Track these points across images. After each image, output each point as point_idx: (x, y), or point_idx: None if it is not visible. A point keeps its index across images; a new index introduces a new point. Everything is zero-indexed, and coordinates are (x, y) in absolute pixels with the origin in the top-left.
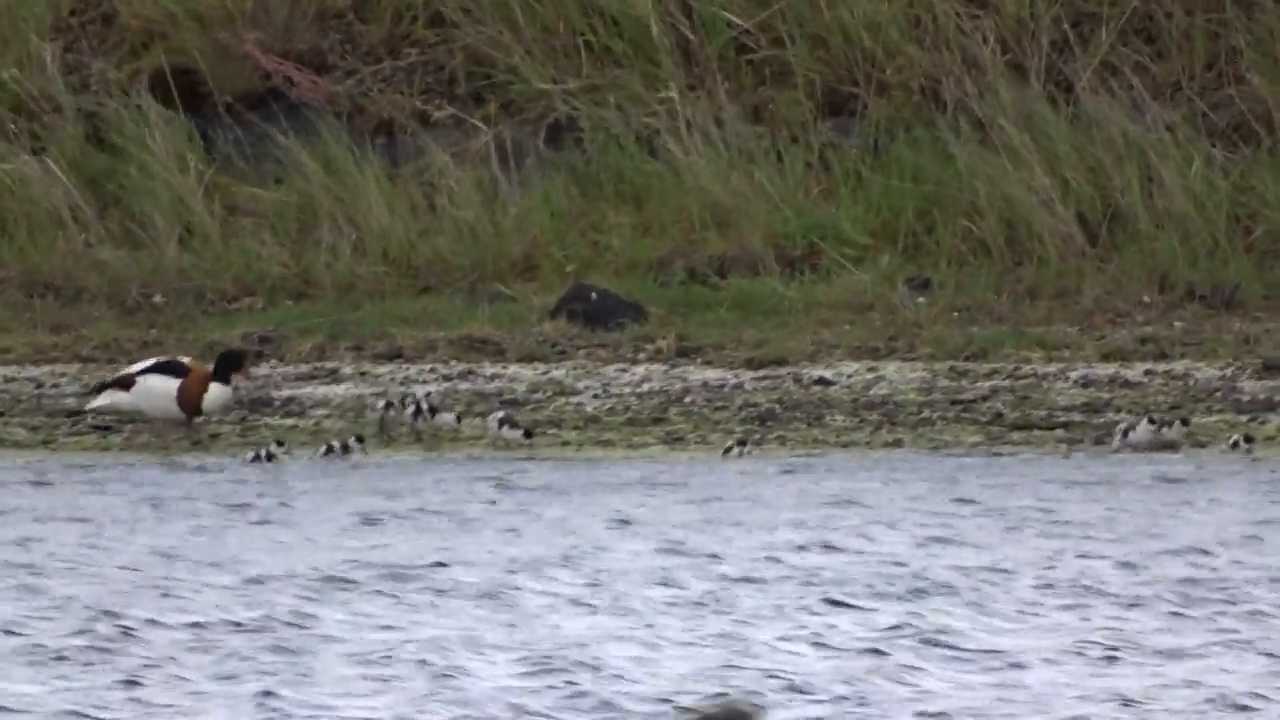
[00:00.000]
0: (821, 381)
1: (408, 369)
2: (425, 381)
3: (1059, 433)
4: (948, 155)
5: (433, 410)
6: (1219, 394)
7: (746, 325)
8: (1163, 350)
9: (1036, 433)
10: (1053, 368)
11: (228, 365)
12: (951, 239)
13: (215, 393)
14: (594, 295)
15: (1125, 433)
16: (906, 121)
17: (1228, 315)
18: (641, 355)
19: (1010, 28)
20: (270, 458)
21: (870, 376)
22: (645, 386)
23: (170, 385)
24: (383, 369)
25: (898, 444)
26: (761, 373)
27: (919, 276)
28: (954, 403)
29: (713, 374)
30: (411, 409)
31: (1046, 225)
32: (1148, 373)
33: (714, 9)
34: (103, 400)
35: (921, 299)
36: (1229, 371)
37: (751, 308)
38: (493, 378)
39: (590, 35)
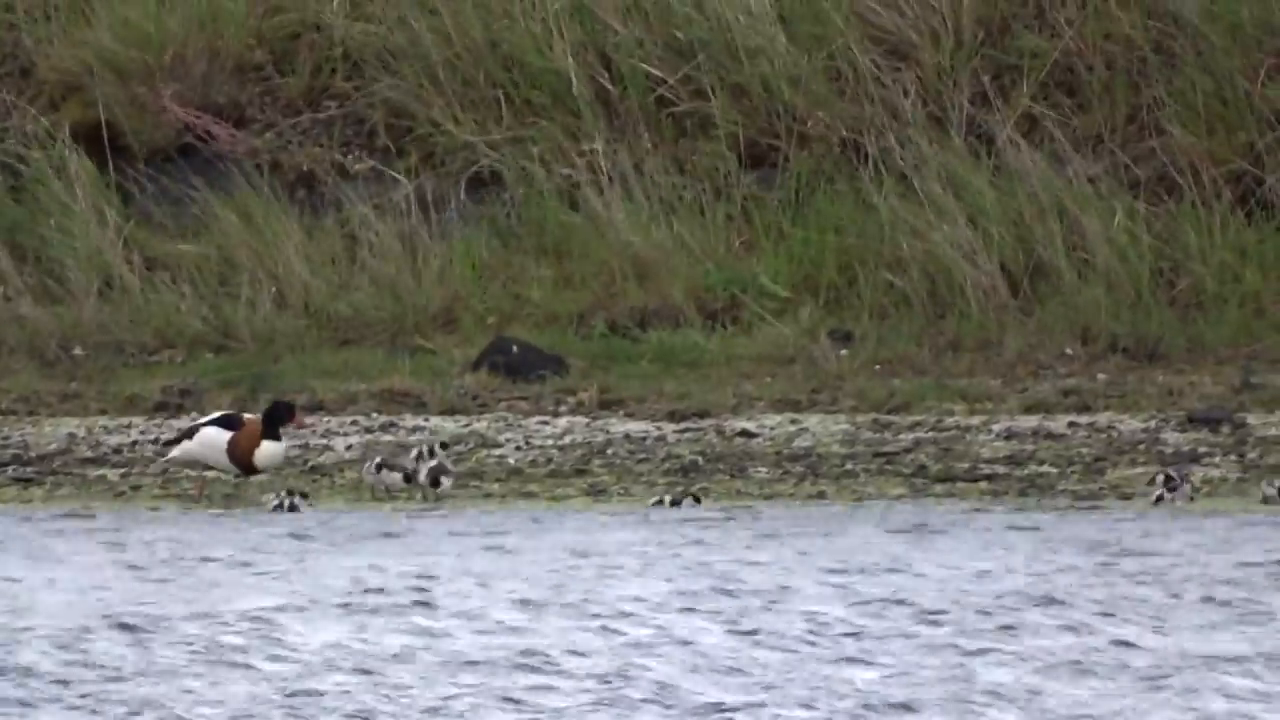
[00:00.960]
0: (744, 434)
1: (329, 421)
2: (346, 434)
3: (982, 484)
4: (870, 207)
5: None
6: (1143, 446)
7: (668, 377)
8: (1086, 403)
9: (960, 484)
10: (975, 420)
11: (276, 419)
12: (873, 291)
13: (266, 449)
14: (515, 348)
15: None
16: (828, 174)
17: (1151, 368)
18: (563, 408)
19: (931, 80)
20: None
21: (793, 429)
22: (567, 439)
23: (221, 438)
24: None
25: (821, 495)
26: (684, 425)
27: (841, 329)
28: (877, 455)
29: (635, 426)
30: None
31: (969, 277)
32: (1071, 425)
33: (633, 62)
34: (176, 452)
35: (844, 351)
36: (1153, 424)
37: (673, 360)
38: (414, 430)
39: (510, 88)
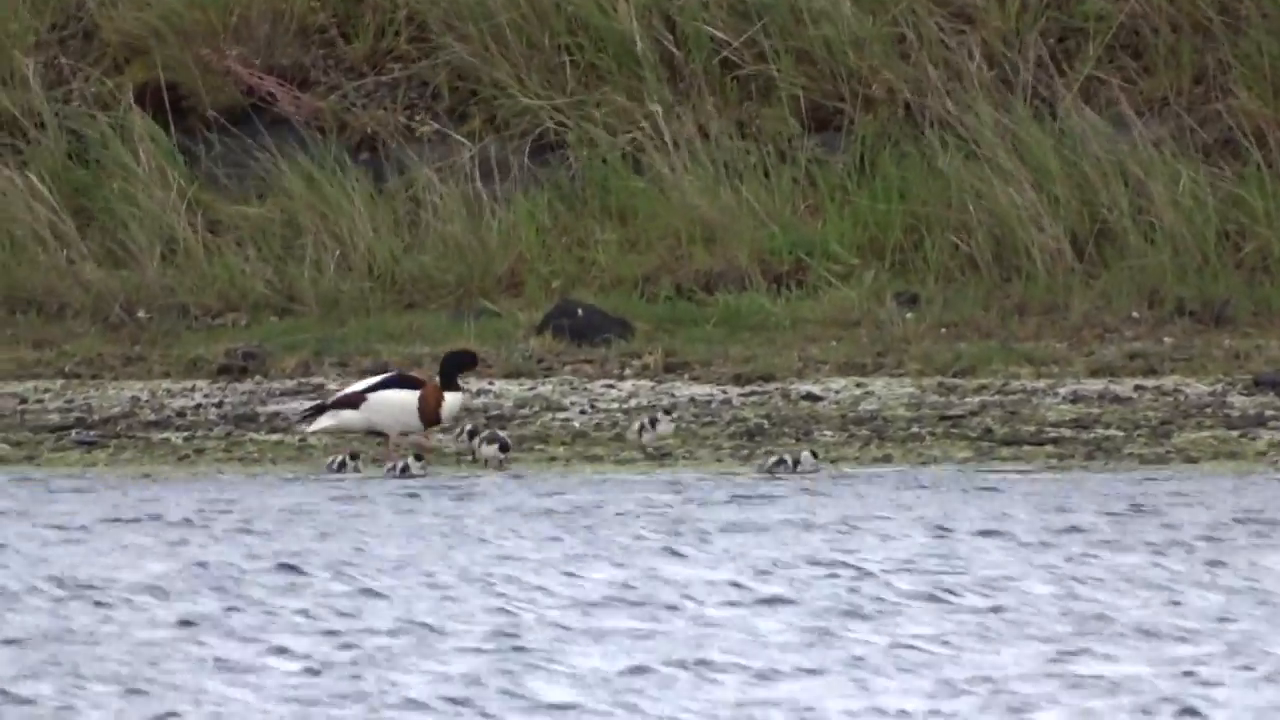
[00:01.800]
0: (810, 397)
1: None
2: None
3: (1048, 448)
4: (934, 171)
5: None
6: (1209, 410)
7: (733, 341)
8: (1152, 366)
9: (1026, 448)
10: (1041, 383)
11: (455, 368)
12: (939, 255)
13: (452, 400)
14: (580, 311)
15: None
16: (892, 137)
17: (1217, 331)
18: (628, 371)
19: (995, 43)
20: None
21: (858, 392)
22: (632, 402)
23: (410, 398)
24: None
25: (887, 459)
26: (749, 388)
27: (907, 292)
28: (943, 418)
29: (700, 390)
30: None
31: (1035, 241)
32: (1137, 388)
33: (698, 24)
34: (326, 422)
35: (909, 314)
36: (1219, 387)
37: (738, 324)
38: (479, 394)
39: (575, 51)
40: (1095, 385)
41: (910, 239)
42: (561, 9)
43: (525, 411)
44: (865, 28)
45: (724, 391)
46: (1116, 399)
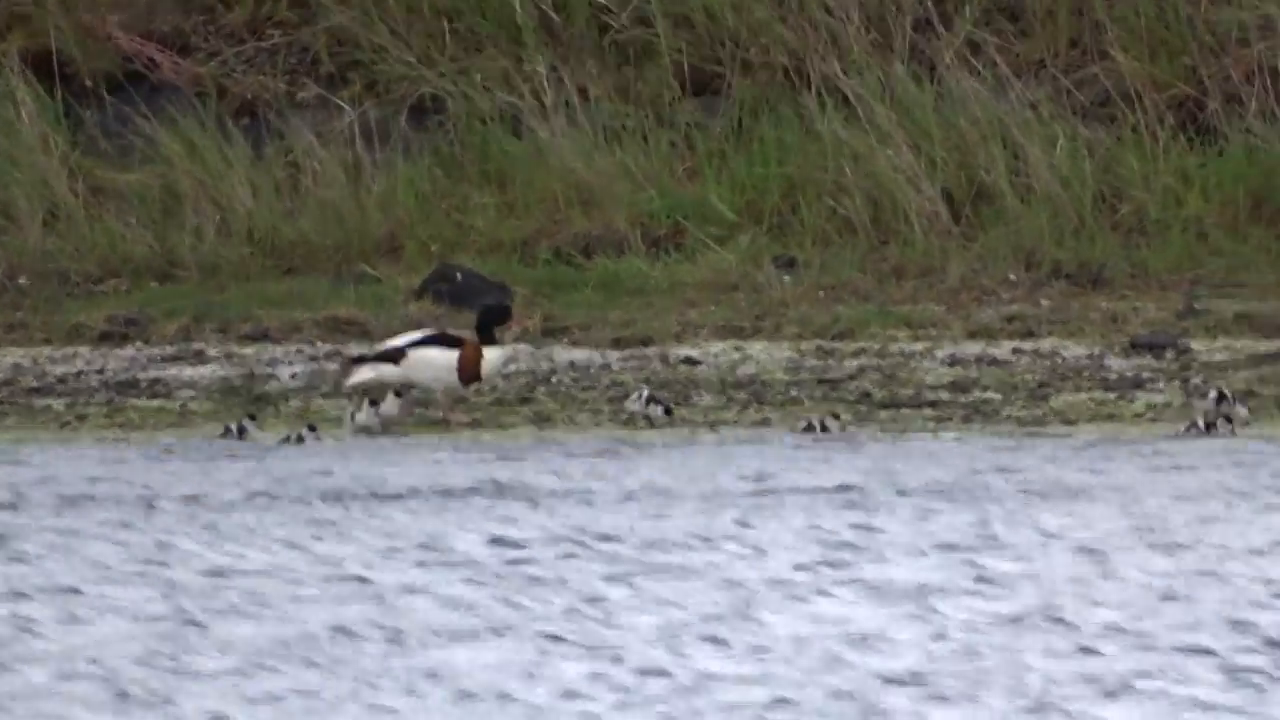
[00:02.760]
0: (688, 361)
1: (273, 350)
2: (292, 363)
3: (926, 411)
4: (813, 133)
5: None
6: (1086, 372)
7: (612, 305)
8: (1029, 329)
9: (904, 411)
10: (919, 346)
11: (491, 322)
12: (817, 218)
13: (492, 356)
14: (459, 276)
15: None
16: (771, 100)
17: (1094, 293)
18: (507, 335)
19: (874, 6)
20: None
21: (737, 356)
22: (511, 367)
23: (450, 356)
24: (249, 350)
25: (765, 422)
26: (628, 352)
27: (785, 255)
28: (821, 381)
29: (579, 354)
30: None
31: (912, 203)
32: (1015, 351)
33: None
34: (365, 375)
35: (787, 278)
36: (1096, 350)
37: (617, 287)
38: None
39: (455, 16)
40: (973, 348)
41: (788, 202)
42: None
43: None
44: None
45: (603, 355)
46: (994, 361)
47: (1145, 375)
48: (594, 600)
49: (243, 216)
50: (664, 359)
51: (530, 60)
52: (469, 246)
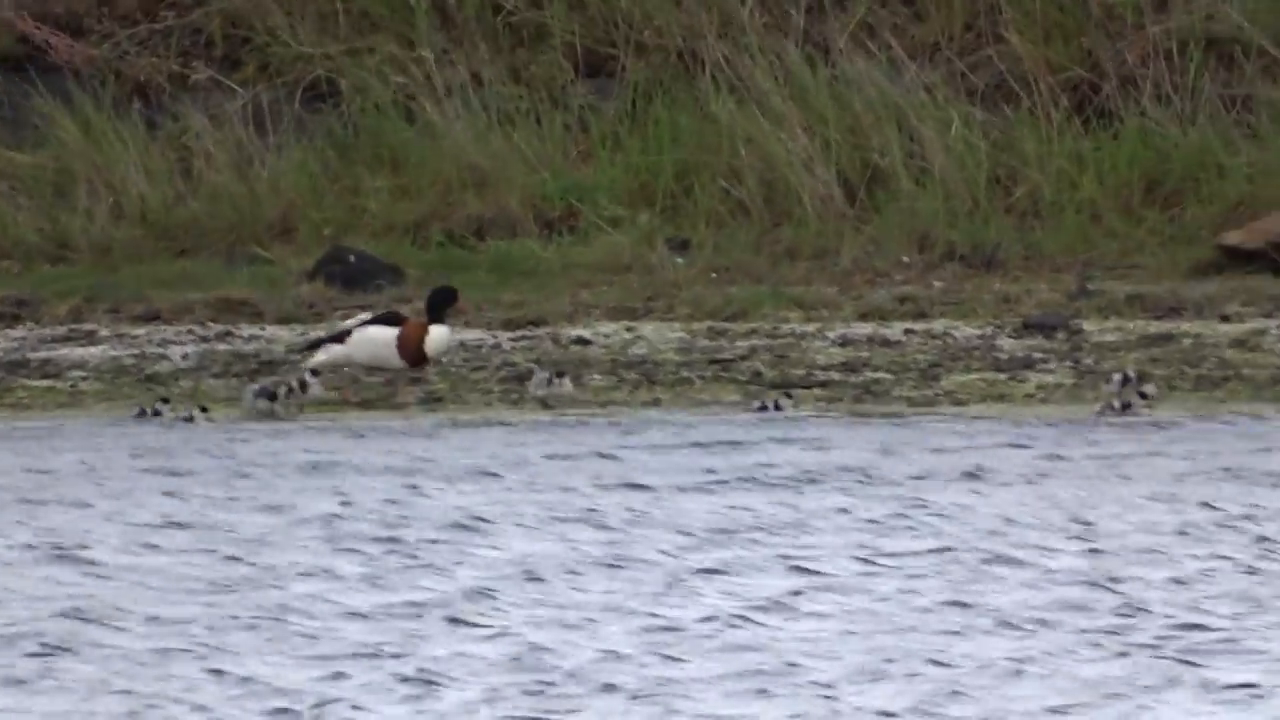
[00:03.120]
0: (580, 341)
1: (165, 331)
2: (183, 343)
3: (817, 391)
4: (707, 116)
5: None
6: (978, 353)
7: (505, 286)
8: (922, 310)
9: (795, 391)
10: (811, 327)
11: (441, 303)
12: (710, 200)
13: (437, 334)
14: (352, 257)
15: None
16: (665, 83)
17: (987, 275)
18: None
19: None
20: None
21: (628, 336)
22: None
23: (388, 334)
24: (140, 331)
25: (656, 403)
26: (519, 333)
27: (677, 237)
28: (712, 362)
29: (471, 334)
30: None
31: (806, 186)
32: (907, 332)
33: None
34: (320, 357)
35: (680, 259)
36: (988, 330)
37: (510, 269)
38: (250, 339)
39: None
40: (864, 329)
41: (682, 184)
42: None
43: (296, 358)
44: None
45: (494, 336)
46: (886, 342)
47: (1037, 356)
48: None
49: (135, 198)
50: (556, 339)
51: (423, 43)
52: (362, 229)
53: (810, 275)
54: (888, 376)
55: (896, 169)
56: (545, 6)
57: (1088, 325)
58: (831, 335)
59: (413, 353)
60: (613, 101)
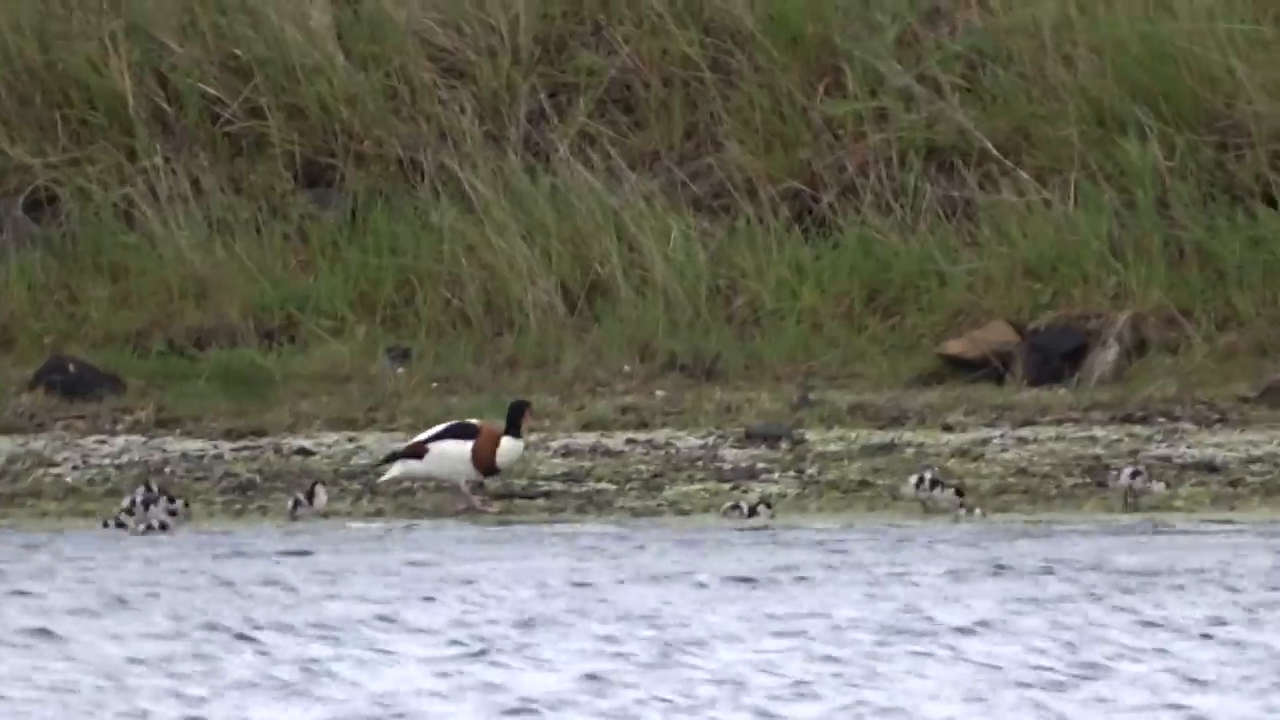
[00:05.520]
0: (302, 451)
1: None
2: None
3: (540, 501)
4: (427, 225)
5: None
6: (700, 462)
7: (225, 396)
8: (644, 419)
9: (518, 501)
10: (534, 437)
11: (517, 416)
12: (431, 309)
13: (508, 446)
14: (72, 367)
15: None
16: (385, 192)
17: (709, 385)
18: (120, 426)
19: (488, 98)
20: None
21: (350, 446)
22: (125, 457)
23: (464, 448)
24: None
25: (379, 514)
26: (241, 443)
27: (399, 347)
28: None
29: (192, 444)
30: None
31: (528, 295)
32: (629, 441)
33: (190, 81)
34: (396, 471)
35: (401, 369)
36: (710, 440)
37: (231, 378)
38: None
39: (68, 107)
40: (587, 439)
41: (402, 294)
42: (53, 67)
43: (17, 467)
44: (358, 84)
45: (216, 446)
46: (608, 452)
47: (760, 465)
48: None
49: None
50: (277, 449)
51: (143, 152)
52: (82, 338)
53: (531, 384)
54: (611, 486)
55: (617, 278)
56: (264, 116)
57: (810, 435)
58: (554, 445)
59: (485, 463)
60: (333, 211)
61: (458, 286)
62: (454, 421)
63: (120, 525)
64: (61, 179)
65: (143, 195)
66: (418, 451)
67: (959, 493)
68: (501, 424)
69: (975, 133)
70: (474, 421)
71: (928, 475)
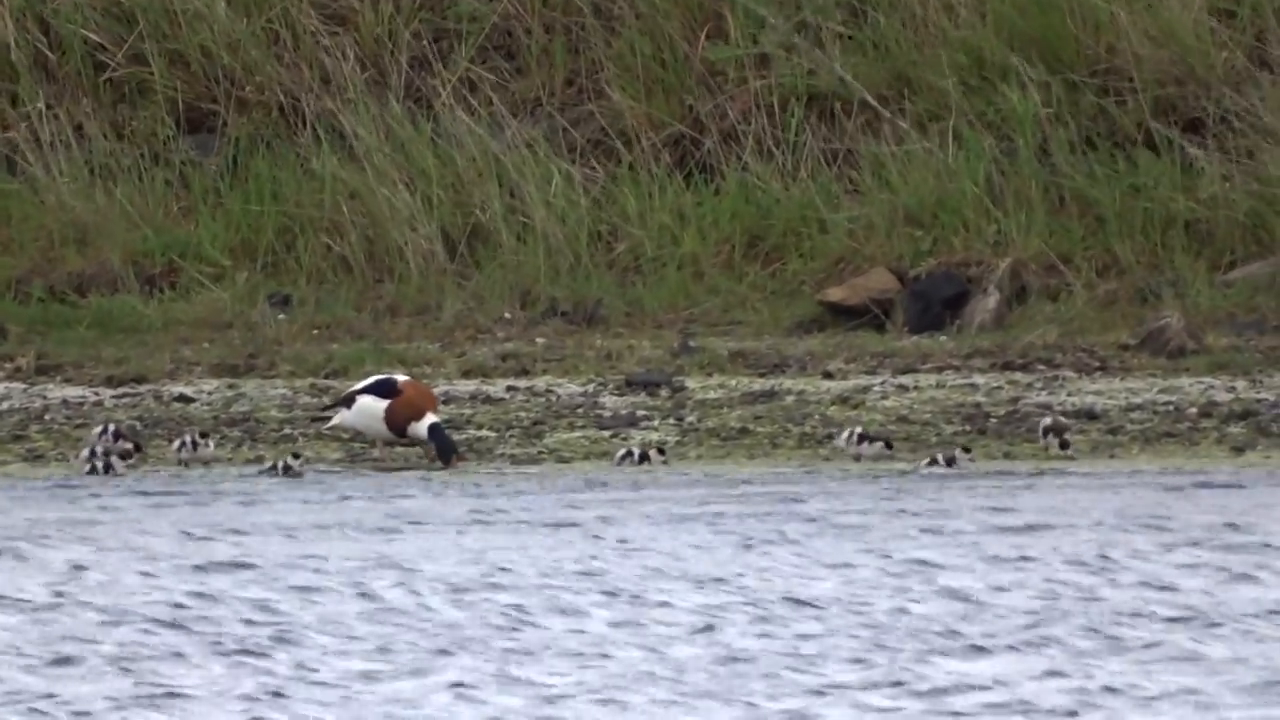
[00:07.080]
0: (182, 399)
1: None
2: None
3: (419, 448)
4: (309, 172)
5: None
6: (581, 410)
7: (106, 343)
8: (524, 367)
9: (396, 449)
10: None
11: (447, 455)
12: (312, 256)
13: (420, 426)
14: None
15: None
16: (266, 138)
17: (589, 331)
18: (0, 374)
19: (369, 44)
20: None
21: (230, 394)
22: (4, 405)
23: (379, 406)
24: None
25: (259, 460)
26: (121, 390)
27: (279, 293)
28: (315, 419)
29: (73, 392)
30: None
31: (409, 242)
32: (509, 389)
33: (72, 27)
34: (336, 420)
35: (282, 316)
36: (590, 388)
37: (111, 325)
38: None
39: None
40: (467, 386)
41: (283, 240)
42: None
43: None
44: (240, 30)
45: (96, 393)
46: (489, 399)
47: (640, 413)
48: None
49: None
50: (158, 396)
51: (25, 98)
52: None
53: (412, 332)
54: (491, 434)
55: (498, 225)
56: (147, 62)
57: (690, 382)
58: (435, 392)
59: (400, 425)
60: (214, 157)
61: (339, 233)
62: (384, 375)
63: None
64: None
65: (25, 141)
66: (348, 400)
67: (888, 445)
68: (427, 385)
69: (854, 83)
70: (399, 379)
71: (857, 429)
